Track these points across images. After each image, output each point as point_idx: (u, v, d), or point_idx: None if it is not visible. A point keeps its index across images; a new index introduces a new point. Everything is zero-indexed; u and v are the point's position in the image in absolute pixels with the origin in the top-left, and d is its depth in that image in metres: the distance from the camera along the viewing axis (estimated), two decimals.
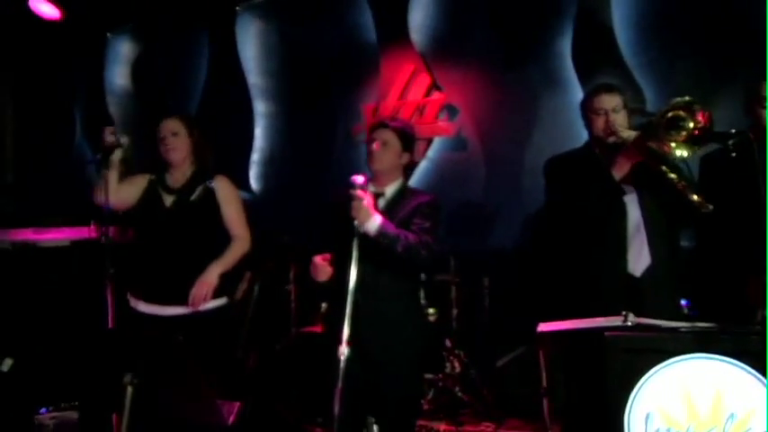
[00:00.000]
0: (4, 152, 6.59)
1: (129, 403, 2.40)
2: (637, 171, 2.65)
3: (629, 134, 2.66)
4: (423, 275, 4.39)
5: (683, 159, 2.50)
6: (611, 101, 2.76)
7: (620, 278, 2.70)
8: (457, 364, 4.34)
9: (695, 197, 2.56)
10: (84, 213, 4.10)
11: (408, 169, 2.97)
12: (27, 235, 4.25)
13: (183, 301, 2.89)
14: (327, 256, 2.73)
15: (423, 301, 4.13)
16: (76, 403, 3.95)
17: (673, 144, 2.45)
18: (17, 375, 4.04)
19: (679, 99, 2.47)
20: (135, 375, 2.30)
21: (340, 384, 2.36)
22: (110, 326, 2.71)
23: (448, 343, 4.41)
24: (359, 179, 2.63)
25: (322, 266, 2.70)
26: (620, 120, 2.74)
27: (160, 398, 2.67)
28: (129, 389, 2.37)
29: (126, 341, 2.51)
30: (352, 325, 2.40)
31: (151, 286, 2.95)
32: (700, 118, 2.40)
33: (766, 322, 2.20)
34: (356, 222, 2.56)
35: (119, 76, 6.39)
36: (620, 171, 2.64)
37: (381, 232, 2.59)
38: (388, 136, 2.77)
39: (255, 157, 5.82)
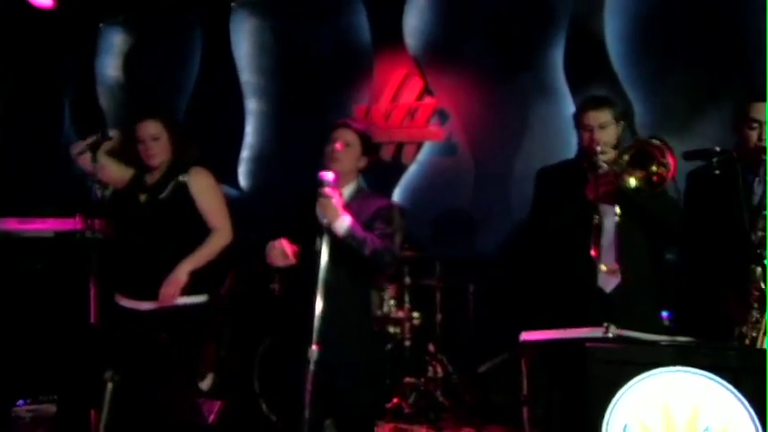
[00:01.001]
0: None
1: (109, 399, 2.39)
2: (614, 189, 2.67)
3: (607, 159, 2.67)
4: (408, 280, 4.44)
5: (629, 189, 2.55)
6: (597, 117, 2.76)
7: (592, 292, 2.71)
8: (439, 369, 4.35)
9: (631, 180, 2.57)
10: (71, 204, 4.08)
11: (364, 173, 2.91)
12: (11, 224, 4.21)
13: (155, 296, 2.87)
14: (291, 244, 2.63)
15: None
16: (54, 397, 3.92)
17: (627, 176, 2.51)
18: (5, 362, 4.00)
19: (655, 140, 2.51)
20: (115, 372, 2.27)
21: (309, 387, 2.34)
22: (92, 320, 2.69)
23: (431, 347, 4.42)
24: (328, 176, 2.56)
25: (282, 249, 2.59)
26: (606, 137, 2.75)
27: (140, 395, 2.66)
28: (110, 385, 2.36)
29: (107, 337, 2.50)
30: (311, 325, 2.38)
31: (128, 281, 2.93)
32: (669, 161, 2.44)
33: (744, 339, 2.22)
34: (325, 221, 2.52)
35: (110, 67, 6.35)
36: (592, 193, 2.66)
37: (350, 233, 2.54)
38: (351, 137, 2.73)
39: (245, 154, 5.81)
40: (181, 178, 2.97)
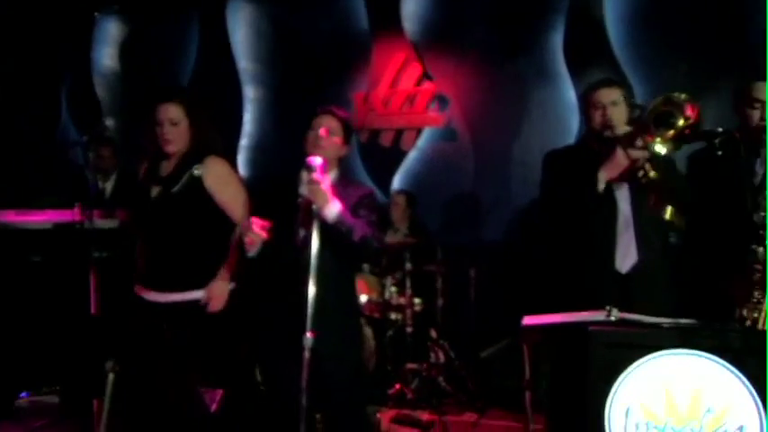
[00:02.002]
0: None
1: (111, 389, 2.40)
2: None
3: (624, 130, 2.65)
4: (409, 265, 4.44)
5: (659, 155, 2.50)
6: (609, 95, 2.75)
7: (607, 274, 2.70)
8: (441, 354, 4.36)
9: (668, 211, 2.58)
10: (69, 195, 4.06)
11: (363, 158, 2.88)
12: (9, 216, 4.19)
13: (173, 288, 2.81)
14: (260, 219, 2.56)
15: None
16: (57, 388, 3.93)
17: (658, 139, 2.46)
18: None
19: (673, 94, 2.46)
20: (117, 362, 2.27)
21: (305, 374, 2.33)
22: (93, 311, 2.68)
23: (433, 333, 4.43)
24: (316, 161, 2.51)
25: (256, 232, 2.51)
26: (617, 114, 2.73)
27: (142, 385, 2.66)
28: (111, 375, 2.36)
29: (109, 327, 2.49)
30: (296, 312, 2.36)
31: (145, 273, 2.86)
32: (689, 113, 2.40)
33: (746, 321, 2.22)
34: (314, 207, 2.47)
35: (106, 56, 6.31)
36: (609, 173, 2.64)
37: (340, 219, 2.50)
38: (334, 125, 2.68)
39: (244, 142, 5.79)
40: (195, 171, 2.81)
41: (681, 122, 2.42)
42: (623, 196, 2.73)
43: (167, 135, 2.80)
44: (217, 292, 2.79)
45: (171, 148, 2.83)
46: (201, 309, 2.82)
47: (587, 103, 2.82)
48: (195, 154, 2.84)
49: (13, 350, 3.97)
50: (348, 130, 2.73)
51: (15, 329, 4.02)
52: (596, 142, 2.78)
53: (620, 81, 2.95)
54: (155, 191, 2.87)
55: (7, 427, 3.73)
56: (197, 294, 2.82)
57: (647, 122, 2.49)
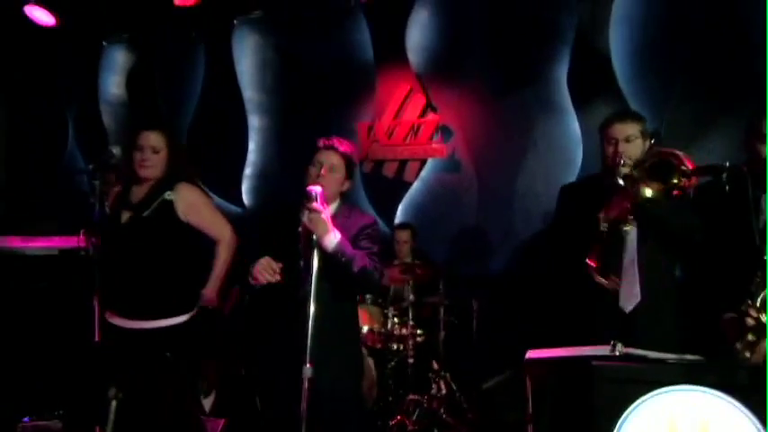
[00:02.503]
0: None
1: (113, 416, 2.38)
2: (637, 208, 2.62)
3: (626, 172, 2.59)
4: (411, 297, 4.43)
5: (645, 198, 2.49)
6: (623, 130, 2.70)
7: (610, 311, 2.68)
8: (443, 386, 4.32)
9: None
10: (74, 221, 4.08)
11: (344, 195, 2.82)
12: (15, 242, 4.21)
13: (144, 315, 2.84)
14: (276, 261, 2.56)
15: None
16: (60, 413, 3.91)
17: (644, 186, 2.46)
18: (1, 383, 3.99)
19: (678, 153, 2.44)
20: (119, 389, 2.26)
21: (304, 405, 2.30)
22: (96, 338, 2.68)
23: (435, 365, 4.40)
24: (316, 189, 2.51)
25: (270, 265, 2.50)
26: (631, 150, 2.67)
27: (144, 413, 2.64)
28: (114, 402, 2.35)
29: (111, 355, 2.48)
30: (297, 341, 2.34)
31: (115, 299, 2.88)
32: (686, 181, 2.39)
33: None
34: (314, 237, 2.45)
35: (113, 84, 6.38)
36: (608, 211, 2.62)
37: (340, 249, 2.49)
38: (336, 161, 2.66)
39: (248, 171, 5.82)
40: (167, 196, 2.90)
41: (674, 181, 2.42)
42: (632, 234, 2.69)
43: (147, 161, 2.90)
44: (211, 299, 2.91)
45: (147, 174, 2.92)
46: (182, 334, 2.83)
47: (601, 137, 2.79)
48: (168, 181, 2.94)
49: (17, 374, 3.96)
50: (350, 166, 2.71)
51: (19, 354, 4.02)
52: (609, 177, 2.71)
53: (639, 115, 2.88)
54: (125, 216, 2.92)
55: None
56: (175, 321, 2.86)
57: (645, 162, 2.50)
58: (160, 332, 2.83)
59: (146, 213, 2.88)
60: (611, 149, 2.72)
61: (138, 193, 2.95)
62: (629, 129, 2.71)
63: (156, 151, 2.91)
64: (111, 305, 2.86)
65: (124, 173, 2.97)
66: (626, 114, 2.84)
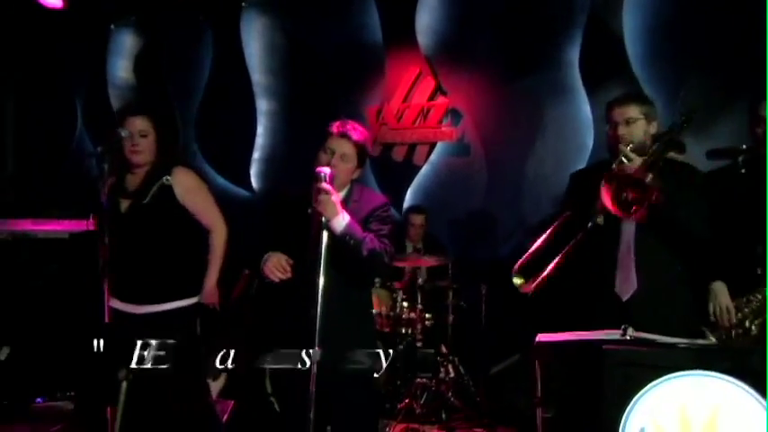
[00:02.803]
0: (4, 142, 6.57)
1: (124, 397, 2.40)
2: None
3: (632, 159, 2.55)
4: (420, 281, 4.44)
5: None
6: (622, 113, 2.66)
7: (608, 298, 2.66)
8: (451, 370, 4.34)
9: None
10: (84, 205, 4.10)
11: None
12: (26, 225, 4.23)
13: (152, 300, 2.86)
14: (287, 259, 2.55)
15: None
16: (72, 394, 3.96)
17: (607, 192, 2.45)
18: (13, 364, 4.03)
19: (648, 181, 2.41)
20: (130, 371, 2.28)
21: (312, 388, 2.31)
22: (106, 320, 2.69)
23: (443, 348, 4.41)
24: (325, 170, 2.48)
25: (281, 262, 2.49)
26: (631, 133, 2.63)
27: (155, 393, 2.66)
28: (124, 383, 2.37)
29: (121, 338, 2.50)
30: (307, 324, 2.34)
31: (120, 285, 2.88)
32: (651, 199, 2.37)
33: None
34: (323, 218, 2.44)
35: (121, 68, 6.36)
36: (600, 202, 2.55)
37: (348, 231, 2.46)
38: (349, 149, 2.60)
39: (257, 155, 5.81)
40: (165, 181, 2.90)
41: (627, 196, 2.41)
42: (628, 223, 2.65)
43: (137, 146, 2.89)
44: (211, 293, 2.94)
45: (139, 159, 2.91)
46: (189, 316, 2.87)
47: (606, 121, 2.76)
48: (163, 165, 2.94)
49: (29, 356, 4.00)
50: (363, 154, 2.66)
51: (30, 336, 4.06)
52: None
53: (640, 96, 2.83)
54: (124, 204, 2.92)
55: (23, 429, 3.77)
56: (184, 303, 2.89)
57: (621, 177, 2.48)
58: (169, 314, 2.86)
59: (146, 201, 2.88)
60: (611, 133, 2.70)
61: (134, 180, 2.95)
62: (630, 111, 2.66)
63: (143, 135, 2.90)
64: (118, 292, 2.88)
65: (116, 162, 2.95)
66: (626, 96, 2.78)
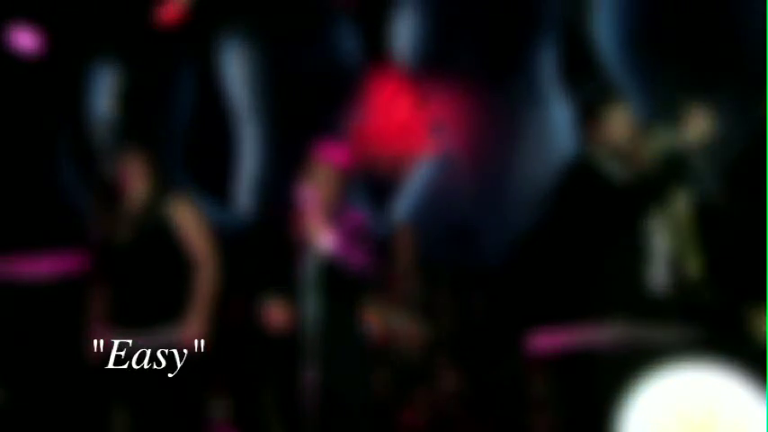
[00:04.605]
0: None
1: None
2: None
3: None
4: (415, 293, 4.43)
5: None
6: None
7: (630, 296, 2.62)
8: (448, 381, 4.33)
9: None
10: (70, 242, 4.08)
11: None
12: (17, 266, 4.20)
13: (154, 326, 2.84)
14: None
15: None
16: None
17: None
18: (11, 409, 3.98)
19: None
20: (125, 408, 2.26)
21: (309, 404, 2.33)
22: (97, 357, 2.68)
23: (441, 359, 4.40)
24: (308, 193, 2.54)
25: (283, 314, 2.57)
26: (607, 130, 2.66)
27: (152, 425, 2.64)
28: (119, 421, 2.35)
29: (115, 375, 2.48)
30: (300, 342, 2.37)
31: (118, 317, 2.88)
32: None
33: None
34: (307, 239, 2.49)
35: (102, 104, 6.35)
36: None
37: (335, 251, 2.51)
38: (331, 173, 2.68)
39: (242, 180, 5.81)
40: (161, 210, 2.91)
41: None
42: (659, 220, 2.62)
43: (129, 182, 2.92)
44: (194, 333, 2.82)
45: (130, 190, 2.92)
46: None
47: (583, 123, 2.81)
48: (157, 196, 2.94)
49: (26, 400, 3.95)
50: (345, 177, 2.72)
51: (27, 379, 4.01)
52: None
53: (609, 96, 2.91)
54: (122, 237, 2.91)
55: None
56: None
57: None
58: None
59: (144, 231, 2.88)
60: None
61: (130, 212, 2.95)
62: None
63: (134, 171, 2.92)
64: (119, 322, 2.85)
65: (109, 196, 2.98)
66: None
